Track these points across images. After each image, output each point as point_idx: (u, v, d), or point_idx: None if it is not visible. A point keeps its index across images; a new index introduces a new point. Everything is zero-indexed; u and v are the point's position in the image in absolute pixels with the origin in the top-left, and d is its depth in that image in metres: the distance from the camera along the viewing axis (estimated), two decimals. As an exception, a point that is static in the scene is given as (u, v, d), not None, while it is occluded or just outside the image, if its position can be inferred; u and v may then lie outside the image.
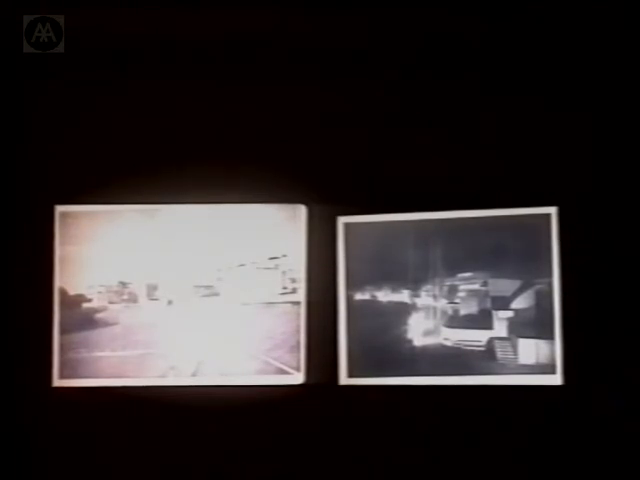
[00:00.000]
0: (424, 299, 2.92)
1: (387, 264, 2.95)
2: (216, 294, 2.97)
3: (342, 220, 2.97)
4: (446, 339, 2.90)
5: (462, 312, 2.90)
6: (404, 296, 2.93)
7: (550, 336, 2.82)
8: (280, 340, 2.93)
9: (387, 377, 2.91)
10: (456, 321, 2.90)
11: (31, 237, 2.99)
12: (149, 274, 2.99)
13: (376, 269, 2.95)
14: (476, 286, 2.89)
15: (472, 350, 2.88)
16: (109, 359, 2.96)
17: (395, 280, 2.94)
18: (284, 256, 2.96)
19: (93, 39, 2.98)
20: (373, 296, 2.95)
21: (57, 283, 2.97)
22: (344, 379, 2.93)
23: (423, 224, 2.93)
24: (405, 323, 2.93)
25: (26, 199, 3.02)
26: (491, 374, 2.85)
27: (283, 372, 2.92)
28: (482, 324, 2.88)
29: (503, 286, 2.87)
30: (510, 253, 2.87)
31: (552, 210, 2.86)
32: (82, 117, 3.05)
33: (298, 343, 2.92)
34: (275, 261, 2.96)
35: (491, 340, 2.86)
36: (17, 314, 2.98)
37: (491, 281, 2.88)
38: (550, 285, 2.83)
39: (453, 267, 2.91)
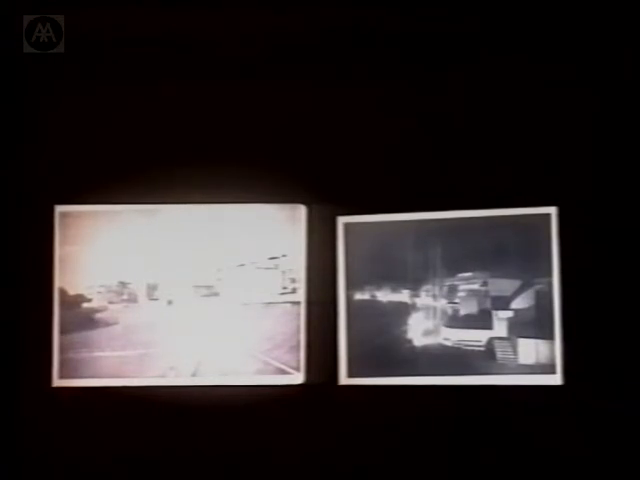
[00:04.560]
0: (424, 299, 2.92)
1: (387, 264, 2.95)
2: (216, 294, 2.97)
3: (342, 220, 2.97)
4: (446, 339, 2.90)
5: (462, 312, 2.90)
6: (404, 296, 2.93)
7: (550, 336, 2.82)
8: (280, 340, 2.93)
9: (387, 377, 2.91)
10: (456, 321, 2.90)
11: (31, 237, 2.99)
12: (149, 274, 2.99)
13: (376, 269, 2.95)
14: (476, 286, 2.89)
15: (472, 350, 2.88)
16: (109, 359, 2.96)
17: (395, 280, 2.94)
18: (284, 256, 2.96)
19: (93, 39, 2.98)
20: (373, 296, 2.95)
21: (57, 283, 2.97)
22: (344, 379, 2.93)
23: (423, 224, 2.93)
24: (405, 323, 2.93)
25: (26, 199, 3.02)
26: (491, 374, 2.85)
27: (283, 372, 2.92)
28: (482, 324, 2.88)
29: (503, 286, 2.87)
30: (510, 253, 2.87)
31: (552, 210, 2.86)
32: (82, 117, 3.05)
33: (298, 343, 2.92)
34: (275, 261, 2.96)
35: (491, 340, 2.86)
36: (17, 314, 2.98)
37: (491, 281, 2.88)
38: (550, 285, 2.83)
39: (453, 267, 2.91)
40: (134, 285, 2.99)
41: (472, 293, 2.89)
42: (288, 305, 2.95)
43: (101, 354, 2.96)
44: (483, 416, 2.88)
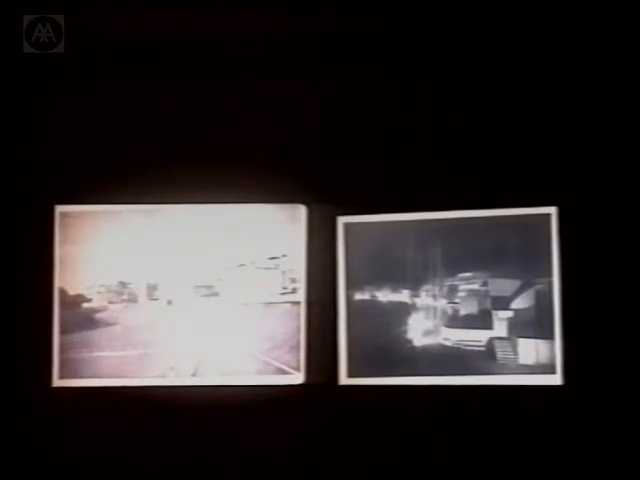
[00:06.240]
0: (424, 299, 2.92)
1: (387, 264, 2.95)
2: (216, 294, 2.97)
3: (342, 220, 2.97)
4: (446, 339, 2.90)
5: (462, 312, 2.90)
6: (404, 296, 2.94)
7: (550, 336, 2.82)
8: (280, 340, 2.93)
9: (387, 377, 2.91)
10: (456, 321, 2.90)
11: (31, 237, 2.99)
12: (149, 274, 2.99)
13: (376, 269, 2.95)
14: (476, 286, 2.89)
15: (472, 350, 2.88)
16: (109, 359, 2.96)
17: (395, 280, 2.94)
18: (284, 256, 2.96)
19: (93, 39, 2.98)
20: (373, 296, 2.95)
21: (57, 283, 2.97)
22: (344, 379, 2.93)
23: (423, 224, 2.93)
24: (405, 323, 2.93)
25: (26, 199, 3.02)
26: (491, 374, 2.85)
27: (283, 372, 2.92)
28: (482, 324, 2.88)
29: (503, 286, 2.87)
30: (510, 253, 2.87)
31: (552, 210, 2.86)
32: (82, 117, 3.05)
33: (298, 343, 2.92)
34: (275, 261, 2.96)
35: (491, 340, 2.86)
36: (17, 314, 2.98)
37: (491, 281, 2.88)
38: (550, 285, 2.83)
39: (453, 267, 2.91)
40: (134, 285, 2.99)
41: (472, 293, 2.89)
42: (288, 305, 2.95)
43: (101, 354, 2.96)
44: (483, 416, 2.88)
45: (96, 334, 2.98)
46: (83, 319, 2.98)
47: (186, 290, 2.98)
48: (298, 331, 2.93)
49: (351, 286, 2.95)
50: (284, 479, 2.95)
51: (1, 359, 2.98)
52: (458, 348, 2.89)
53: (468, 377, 2.86)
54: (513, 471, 2.87)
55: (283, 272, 2.96)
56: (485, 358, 2.86)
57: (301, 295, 2.94)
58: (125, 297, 2.99)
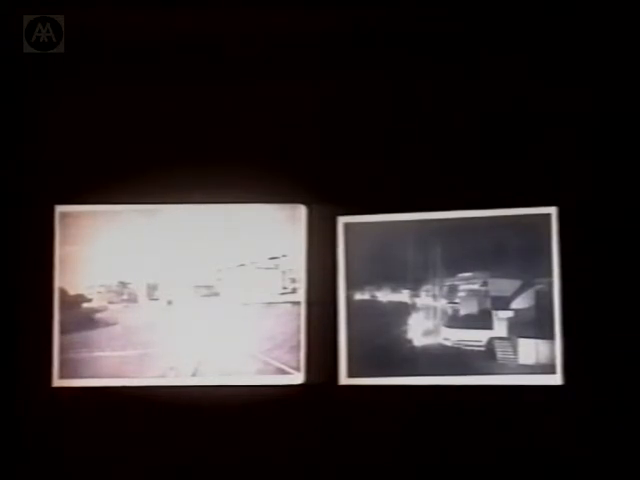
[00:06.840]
0: (424, 299, 2.92)
1: (387, 264, 2.95)
2: (216, 294, 2.97)
3: (342, 220, 2.97)
4: (446, 339, 2.90)
5: (462, 312, 2.90)
6: (404, 296, 2.94)
7: (550, 336, 2.82)
8: (280, 340, 2.93)
9: (387, 377, 2.91)
10: (456, 321, 2.90)
11: (31, 237, 2.99)
12: (149, 274, 2.99)
13: (376, 269, 2.95)
14: (476, 286, 2.89)
15: (472, 350, 2.88)
16: (109, 359, 2.96)
17: (395, 280, 2.94)
18: (284, 256, 2.96)
19: (93, 39, 2.98)
20: (373, 296, 2.95)
21: (57, 283, 2.97)
22: (344, 379, 2.93)
23: (423, 224, 2.93)
24: (405, 323, 2.93)
25: (26, 199, 3.02)
26: (491, 374, 2.85)
27: (283, 372, 2.92)
28: (482, 324, 2.88)
29: (503, 286, 2.87)
30: (510, 253, 2.87)
31: (552, 210, 2.86)
32: (82, 117, 3.05)
33: (298, 343, 2.92)
34: (275, 261, 2.96)
35: (491, 340, 2.86)
36: (17, 314, 2.98)
37: (491, 281, 2.88)
38: (550, 285, 2.83)
39: (453, 267, 2.91)
40: (134, 285, 2.99)
41: (472, 293, 2.89)
42: (288, 305, 2.95)
43: (101, 354, 2.96)
44: (483, 416, 2.88)
45: (96, 334, 2.98)
46: (83, 319, 2.98)
47: (186, 290, 2.98)
48: (298, 331, 2.93)
49: (351, 286, 2.95)
50: (284, 479, 2.95)
51: (1, 359, 2.98)
52: (458, 348, 2.89)
53: (468, 377, 2.86)
54: (513, 471, 2.87)
55: (283, 272, 2.96)
56: (485, 358, 2.86)
57: (301, 295, 2.94)
58: (125, 297, 2.99)
